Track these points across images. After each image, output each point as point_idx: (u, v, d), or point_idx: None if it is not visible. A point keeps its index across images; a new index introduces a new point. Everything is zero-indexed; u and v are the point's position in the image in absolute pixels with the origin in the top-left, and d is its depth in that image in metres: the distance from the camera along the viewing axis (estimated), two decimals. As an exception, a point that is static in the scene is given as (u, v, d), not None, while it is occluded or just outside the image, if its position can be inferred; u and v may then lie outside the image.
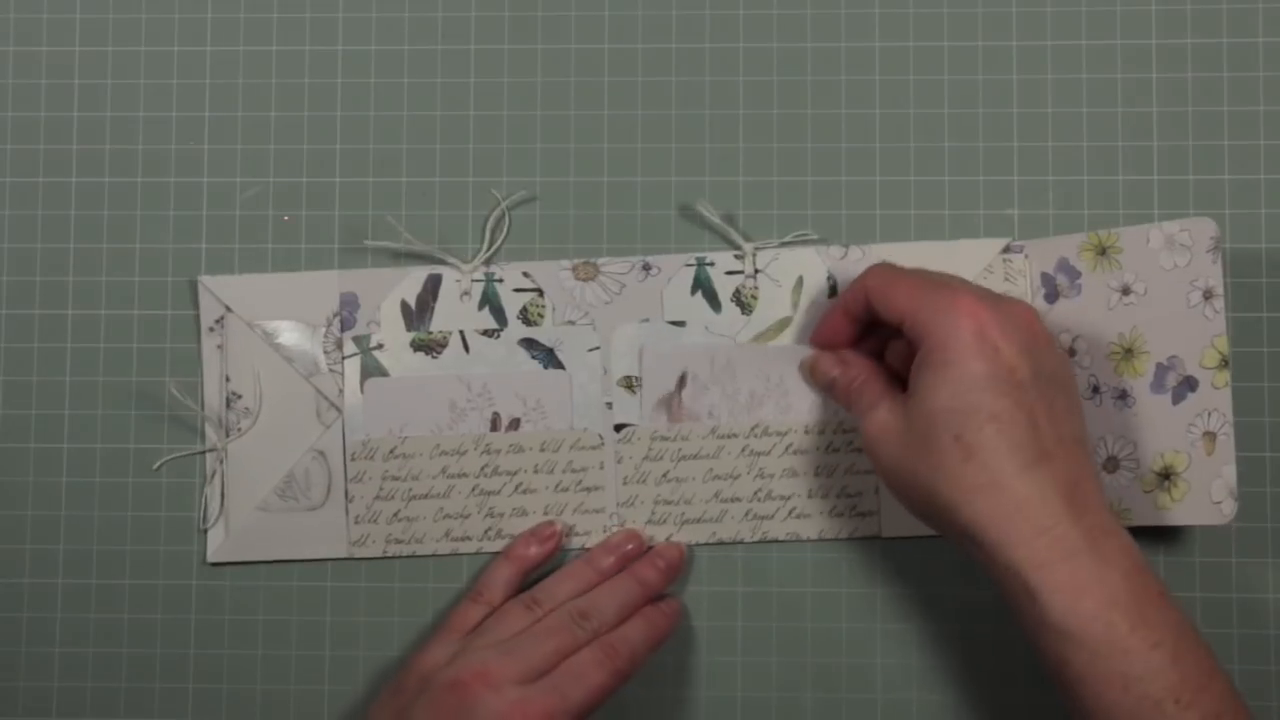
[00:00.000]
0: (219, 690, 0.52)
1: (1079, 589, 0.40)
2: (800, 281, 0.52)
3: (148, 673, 0.53)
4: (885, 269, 0.46)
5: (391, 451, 0.52)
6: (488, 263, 0.52)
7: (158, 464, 0.53)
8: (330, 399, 0.52)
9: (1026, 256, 0.52)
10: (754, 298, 0.52)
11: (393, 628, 0.52)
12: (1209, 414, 0.48)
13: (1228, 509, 0.47)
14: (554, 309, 0.52)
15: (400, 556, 0.52)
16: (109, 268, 0.53)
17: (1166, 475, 0.49)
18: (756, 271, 0.52)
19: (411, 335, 0.52)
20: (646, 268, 0.52)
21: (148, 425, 0.53)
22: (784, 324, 0.52)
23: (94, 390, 0.53)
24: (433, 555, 0.52)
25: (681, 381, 0.51)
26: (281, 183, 0.53)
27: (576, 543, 0.52)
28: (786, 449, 0.51)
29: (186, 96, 0.54)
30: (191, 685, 0.52)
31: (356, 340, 0.52)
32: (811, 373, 0.50)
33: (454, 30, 0.54)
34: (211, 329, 0.53)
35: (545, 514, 0.52)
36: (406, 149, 0.53)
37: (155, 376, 0.53)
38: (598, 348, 0.52)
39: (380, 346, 0.52)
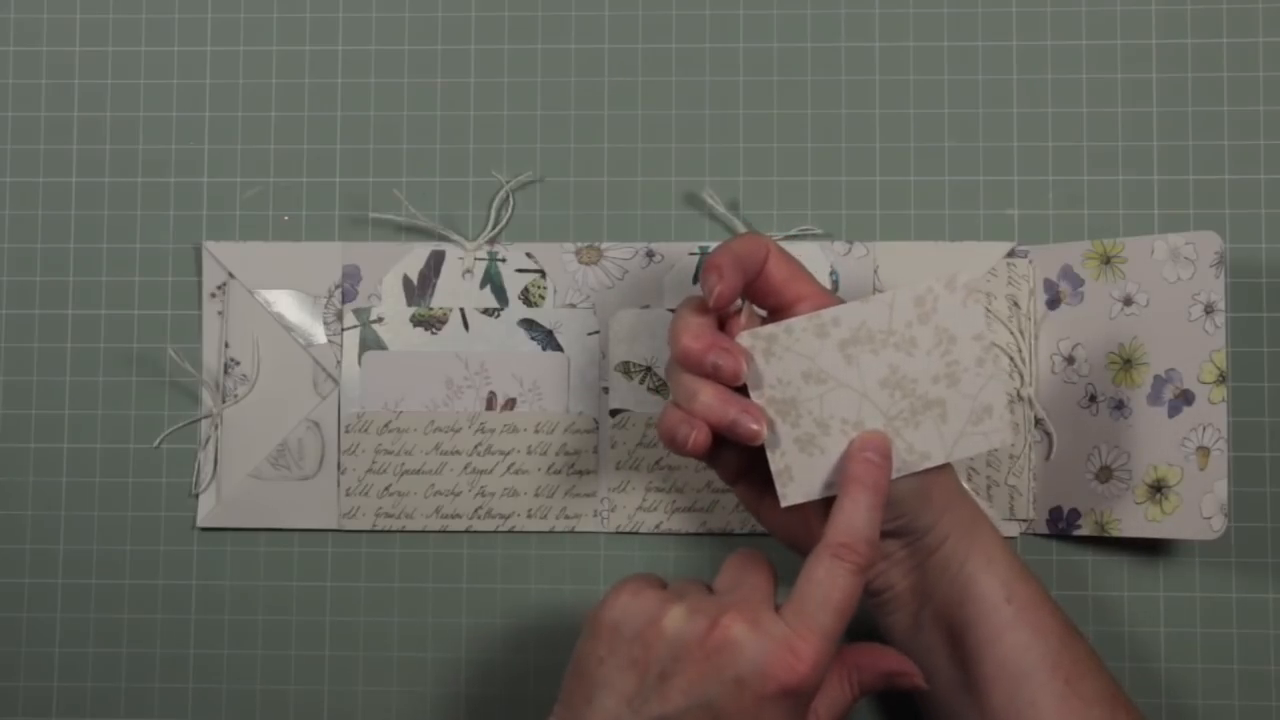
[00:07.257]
0: (219, 690, 0.52)
1: None
2: None
3: (148, 673, 0.53)
4: None
5: (386, 425, 0.52)
6: (491, 242, 0.53)
7: (158, 440, 0.53)
8: (328, 370, 0.52)
9: (1031, 261, 0.51)
10: None
11: (393, 628, 0.52)
12: (1204, 429, 0.47)
13: (1217, 525, 0.47)
14: (555, 291, 0.52)
15: (390, 531, 0.52)
16: (109, 268, 0.53)
17: (1158, 488, 0.48)
18: None
19: (412, 310, 0.52)
20: (650, 255, 0.52)
21: (146, 423, 0.53)
22: None
23: (94, 390, 0.53)
24: (422, 531, 0.52)
25: None
26: (281, 182, 0.53)
27: (565, 525, 0.52)
28: None
29: (186, 96, 0.54)
30: (191, 685, 0.52)
31: (357, 312, 0.52)
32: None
33: (454, 30, 0.54)
34: (213, 295, 0.53)
35: (536, 495, 0.52)
36: (406, 149, 0.53)
37: (156, 377, 0.53)
38: (597, 332, 0.52)
39: (380, 320, 0.52)
